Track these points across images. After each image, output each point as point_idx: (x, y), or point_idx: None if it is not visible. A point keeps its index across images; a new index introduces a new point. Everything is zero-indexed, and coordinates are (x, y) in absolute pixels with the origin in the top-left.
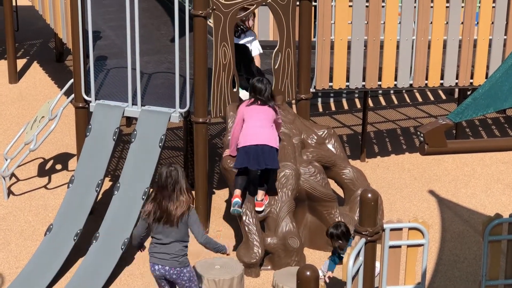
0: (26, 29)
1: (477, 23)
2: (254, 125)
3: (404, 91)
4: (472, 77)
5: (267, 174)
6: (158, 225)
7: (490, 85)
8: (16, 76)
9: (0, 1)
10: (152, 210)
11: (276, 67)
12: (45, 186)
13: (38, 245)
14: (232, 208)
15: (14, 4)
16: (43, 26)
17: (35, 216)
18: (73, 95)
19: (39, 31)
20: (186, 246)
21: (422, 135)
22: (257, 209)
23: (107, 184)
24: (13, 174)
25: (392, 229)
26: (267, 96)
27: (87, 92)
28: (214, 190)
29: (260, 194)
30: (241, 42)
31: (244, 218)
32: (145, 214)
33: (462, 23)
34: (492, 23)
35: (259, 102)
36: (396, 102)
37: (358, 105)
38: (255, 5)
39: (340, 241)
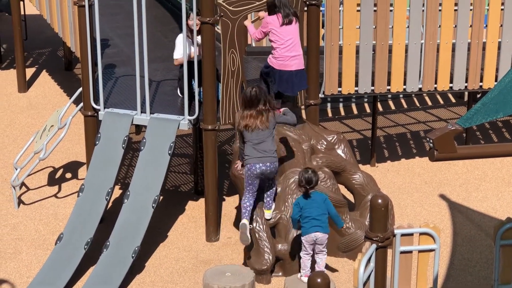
0: (35, 38)
1: (486, 25)
2: (287, 49)
3: (413, 95)
4: (481, 80)
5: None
6: (249, 132)
7: (499, 90)
8: (25, 85)
9: (9, 10)
10: (242, 121)
11: None
12: (55, 195)
13: (48, 254)
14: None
15: (22, 13)
16: (51, 35)
17: (46, 225)
18: (82, 104)
19: (48, 40)
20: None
21: (431, 141)
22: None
23: (117, 192)
24: (23, 184)
25: (403, 235)
26: (291, 6)
27: (96, 101)
28: (224, 197)
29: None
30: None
31: (254, 224)
32: (237, 124)
33: (470, 26)
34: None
35: (286, 21)
36: (405, 106)
37: (368, 110)
38: (262, 11)
39: (303, 187)
